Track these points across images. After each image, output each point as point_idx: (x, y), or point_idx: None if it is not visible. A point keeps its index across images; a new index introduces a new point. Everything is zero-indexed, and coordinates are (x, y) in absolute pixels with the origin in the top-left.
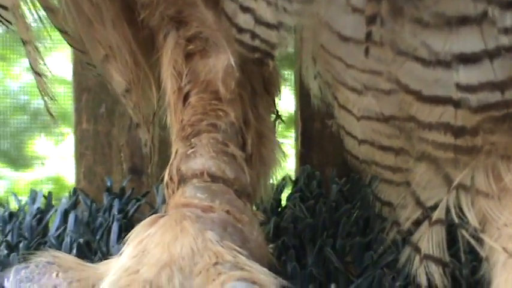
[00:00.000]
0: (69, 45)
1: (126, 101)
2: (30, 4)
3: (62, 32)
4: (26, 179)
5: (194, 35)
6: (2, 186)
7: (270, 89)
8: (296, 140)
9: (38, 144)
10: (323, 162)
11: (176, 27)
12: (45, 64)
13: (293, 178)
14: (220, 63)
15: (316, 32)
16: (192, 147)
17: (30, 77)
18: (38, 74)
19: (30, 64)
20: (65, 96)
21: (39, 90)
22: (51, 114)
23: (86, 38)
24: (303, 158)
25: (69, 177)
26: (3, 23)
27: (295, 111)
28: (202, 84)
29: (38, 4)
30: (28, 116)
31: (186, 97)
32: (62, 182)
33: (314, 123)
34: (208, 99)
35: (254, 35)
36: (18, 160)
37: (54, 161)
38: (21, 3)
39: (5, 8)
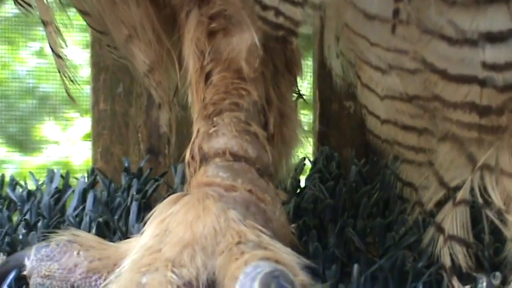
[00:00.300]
0: (89, 26)
1: (148, 81)
2: None
3: (83, 13)
4: (34, 163)
5: (217, 13)
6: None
7: (292, 68)
8: (314, 121)
9: (46, 129)
10: (341, 143)
11: (198, 5)
12: (66, 46)
13: (311, 159)
14: (244, 41)
15: (340, 10)
16: (214, 126)
17: (37, 61)
18: (58, 55)
19: (50, 46)
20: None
21: (59, 72)
22: (70, 97)
23: (109, 19)
24: (320, 139)
25: (76, 161)
26: (23, 6)
27: (312, 92)
28: (225, 62)
29: None
30: (35, 100)
31: (208, 76)
32: (70, 166)
33: (332, 105)
34: (230, 78)
35: (278, 12)
36: (25, 144)
37: (62, 145)
38: None
39: None
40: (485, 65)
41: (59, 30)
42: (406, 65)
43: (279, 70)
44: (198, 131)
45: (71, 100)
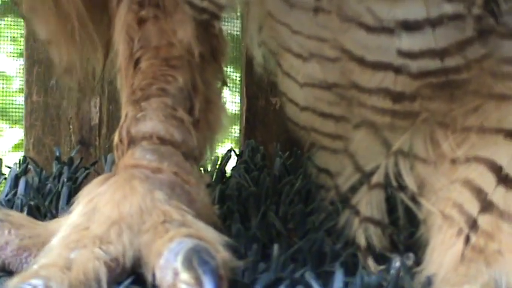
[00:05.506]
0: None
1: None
2: None
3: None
4: None
5: (147, 1)
6: None
7: (218, 56)
8: (241, 116)
9: None
10: (267, 138)
11: None
12: None
13: (237, 152)
14: (188, 29)
15: None
16: (142, 111)
17: None
18: None
19: None
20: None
21: None
22: None
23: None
24: (247, 134)
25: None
26: None
27: (240, 88)
28: (154, 50)
29: None
30: None
31: (137, 62)
32: None
33: (258, 101)
34: (158, 65)
35: None
36: None
37: None
38: None
39: None
40: (401, 53)
41: None
42: (326, 53)
43: (205, 58)
44: (126, 115)
45: None
